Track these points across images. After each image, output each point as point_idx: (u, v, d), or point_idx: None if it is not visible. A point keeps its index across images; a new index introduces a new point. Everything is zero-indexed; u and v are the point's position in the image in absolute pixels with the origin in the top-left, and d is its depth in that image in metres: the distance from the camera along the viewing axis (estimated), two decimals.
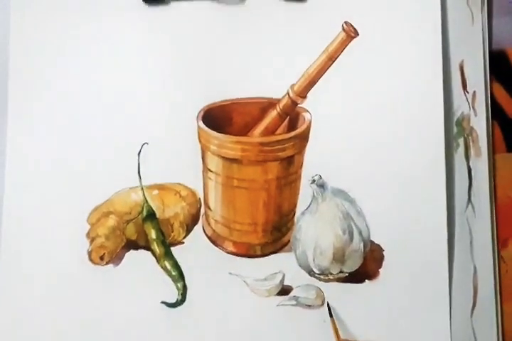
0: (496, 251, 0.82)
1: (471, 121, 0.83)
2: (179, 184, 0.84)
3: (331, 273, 0.81)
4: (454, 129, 0.83)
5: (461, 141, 0.83)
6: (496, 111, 0.84)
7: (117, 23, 0.85)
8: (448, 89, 0.83)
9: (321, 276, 0.82)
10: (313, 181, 0.81)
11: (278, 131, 0.83)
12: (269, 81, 0.83)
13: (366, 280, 0.82)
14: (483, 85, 0.83)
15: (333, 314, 0.79)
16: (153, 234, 0.83)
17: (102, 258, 0.82)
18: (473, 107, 0.83)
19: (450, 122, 0.83)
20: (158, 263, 0.82)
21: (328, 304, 0.80)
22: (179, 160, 0.83)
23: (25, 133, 0.84)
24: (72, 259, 0.82)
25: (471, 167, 0.83)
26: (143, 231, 0.83)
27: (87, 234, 0.83)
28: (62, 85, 0.84)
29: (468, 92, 0.84)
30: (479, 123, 0.83)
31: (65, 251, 0.82)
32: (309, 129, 0.82)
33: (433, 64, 0.82)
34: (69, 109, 0.84)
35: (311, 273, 0.82)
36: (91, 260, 0.82)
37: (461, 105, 0.83)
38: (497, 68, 0.84)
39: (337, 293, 0.81)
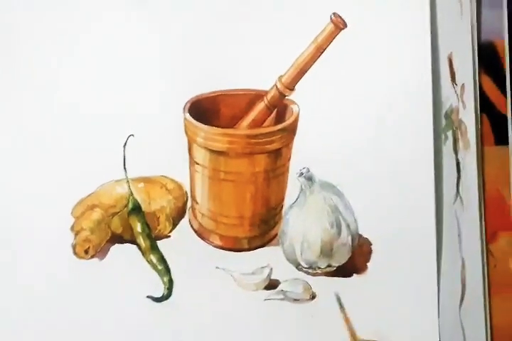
0: (485, 244, 0.82)
1: (459, 113, 0.83)
2: (165, 177, 0.83)
3: (319, 267, 0.81)
4: (443, 122, 0.83)
5: (449, 133, 0.83)
6: (484, 104, 0.83)
7: (105, 11, 0.84)
8: (437, 81, 0.83)
9: (309, 270, 0.81)
10: (301, 174, 0.80)
11: (266, 124, 0.83)
12: (257, 72, 0.82)
13: (354, 274, 0.81)
14: (471, 77, 0.83)
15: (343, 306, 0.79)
16: (138, 227, 0.82)
17: (86, 251, 0.81)
18: (461, 100, 0.83)
19: (439, 115, 0.83)
20: (144, 257, 0.81)
21: (337, 297, 0.79)
22: (165, 153, 0.83)
23: (8, 126, 0.83)
24: (57, 253, 0.81)
25: (460, 160, 0.82)
26: (128, 224, 0.82)
27: (72, 228, 0.82)
28: (48, 75, 0.83)
29: (456, 85, 0.83)
30: (468, 115, 0.83)
31: (49, 245, 0.81)
32: (297, 122, 0.81)
33: (422, 56, 0.82)
34: (54, 100, 0.83)
35: (298, 267, 0.81)
36: (75, 254, 0.81)
37: (449, 97, 0.83)
38: (486, 60, 0.84)
39: (325, 287, 0.80)
